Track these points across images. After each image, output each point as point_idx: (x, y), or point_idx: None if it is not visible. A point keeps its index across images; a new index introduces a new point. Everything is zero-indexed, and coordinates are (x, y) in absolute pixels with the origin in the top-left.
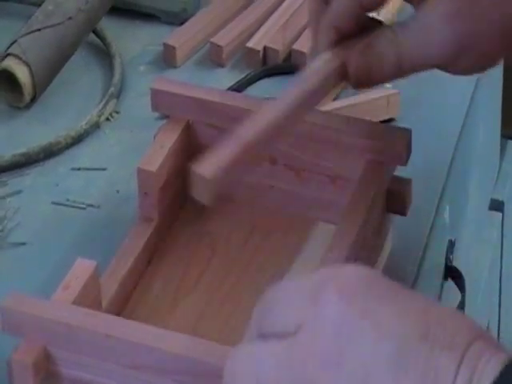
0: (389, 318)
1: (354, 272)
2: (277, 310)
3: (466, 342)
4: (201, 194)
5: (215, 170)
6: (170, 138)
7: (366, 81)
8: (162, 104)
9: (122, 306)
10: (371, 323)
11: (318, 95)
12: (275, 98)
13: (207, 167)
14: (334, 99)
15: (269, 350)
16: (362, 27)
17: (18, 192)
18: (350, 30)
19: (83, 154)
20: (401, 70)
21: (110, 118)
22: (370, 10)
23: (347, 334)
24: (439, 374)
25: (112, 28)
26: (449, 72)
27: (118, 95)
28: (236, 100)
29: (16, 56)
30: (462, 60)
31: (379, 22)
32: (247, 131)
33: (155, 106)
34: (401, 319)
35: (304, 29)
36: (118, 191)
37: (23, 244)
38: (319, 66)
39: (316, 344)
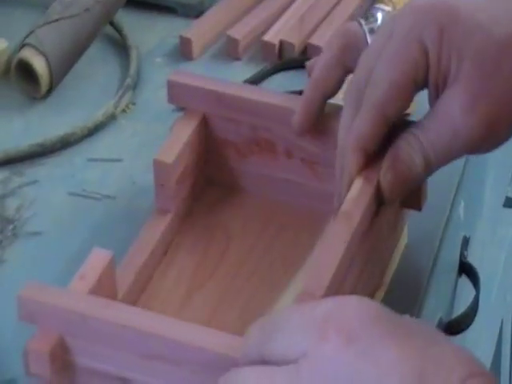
0: (388, 358)
1: (357, 308)
2: (279, 338)
3: (461, 378)
4: None
5: None
6: (186, 131)
7: (400, 193)
8: (179, 96)
9: (137, 297)
10: (370, 364)
11: (362, 229)
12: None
13: None
14: None
15: (267, 376)
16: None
17: (35, 182)
18: (377, 147)
19: (99, 145)
20: (430, 170)
21: (126, 109)
22: (393, 120)
23: (346, 376)
24: None
25: (129, 20)
26: (477, 154)
27: (134, 87)
28: (253, 93)
29: (33, 46)
30: (490, 141)
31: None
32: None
33: (171, 98)
34: (399, 358)
35: (320, 23)
36: (134, 182)
37: (39, 234)
38: (356, 197)
39: (315, 381)
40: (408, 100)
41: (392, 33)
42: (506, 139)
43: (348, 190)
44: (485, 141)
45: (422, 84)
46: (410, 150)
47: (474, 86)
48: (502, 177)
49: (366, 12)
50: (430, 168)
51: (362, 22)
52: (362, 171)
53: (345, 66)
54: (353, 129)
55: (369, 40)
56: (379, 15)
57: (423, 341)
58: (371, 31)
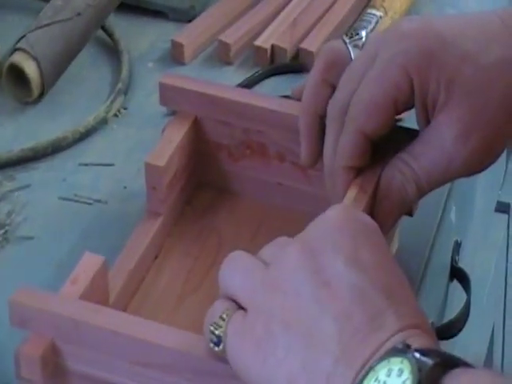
0: (323, 295)
1: (330, 226)
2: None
3: (392, 331)
4: None
5: None
6: (178, 133)
7: (395, 220)
8: (171, 99)
9: (128, 301)
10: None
11: None
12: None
13: None
14: None
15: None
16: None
17: (26, 186)
18: (364, 162)
19: (91, 150)
20: (422, 195)
21: (117, 114)
22: (375, 139)
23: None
24: (384, 327)
25: (120, 24)
26: (470, 176)
27: (125, 91)
28: (244, 96)
29: (24, 51)
30: (484, 164)
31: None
32: None
33: (163, 101)
34: (332, 297)
35: (312, 27)
36: (125, 187)
37: (31, 238)
38: (350, 205)
39: (281, 276)
40: (387, 119)
41: (376, 55)
42: (497, 158)
43: None
44: (478, 165)
45: (403, 106)
46: (402, 179)
47: (466, 116)
48: (494, 181)
49: (351, 29)
50: (422, 193)
51: (347, 39)
52: (356, 180)
53: (331, 84)
54: (338, 148)
55: (353, 57)
56: (363, 33)
57: (372, 288)
58: (356, 47)
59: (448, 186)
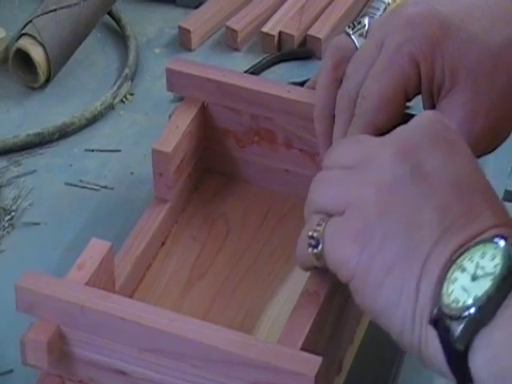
0: (419, 192)
1: (424, 126)
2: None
3: (485, 226)
4: None
5: None
6: (185, 119)
7: None
8: (178, 84)
9: (135, 287)
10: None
11: None
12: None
13: None
14: None
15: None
16: None
17: (32, 172)
18: None
19: (97, 136)
20: None
21: (124, 99)
22: (386, 129)
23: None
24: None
25: (127, 10)
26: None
27: (132, 77)
28: (253, 82)
29: (31, 36)
30: (489, 147)
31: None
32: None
33: (171, 86)
34: (432, 192)
35: (320, 14)
36: (132, 173)
37: (37, 224)
38: None
39: (378, 172)
40: (398, 110)
41: (382, 42)
42: (504, 140)
43: None
44: (484, 149)
45: (413, 93)
46: None
47: (470, 101)
48: (502, 170)
49: (353, 20)
50: None
51: (350, 31)
52: None
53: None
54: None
55: (358, 47)
56: (366, 20)
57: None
58: (360, 36)
59: None
